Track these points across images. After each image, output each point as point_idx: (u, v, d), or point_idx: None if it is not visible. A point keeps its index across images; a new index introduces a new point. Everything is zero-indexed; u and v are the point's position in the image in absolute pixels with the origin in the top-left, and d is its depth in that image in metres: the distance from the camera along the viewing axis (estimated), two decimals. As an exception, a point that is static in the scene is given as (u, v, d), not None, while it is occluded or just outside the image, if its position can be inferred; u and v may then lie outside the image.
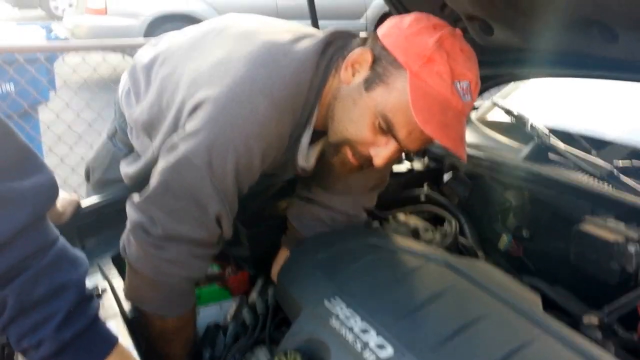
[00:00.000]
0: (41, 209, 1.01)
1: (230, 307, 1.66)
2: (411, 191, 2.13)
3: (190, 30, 1.69)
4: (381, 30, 1.44)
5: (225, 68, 1.41)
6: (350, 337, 1.23)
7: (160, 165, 1.42)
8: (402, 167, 2.17)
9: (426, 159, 2.24)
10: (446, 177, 2.10)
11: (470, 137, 2.26)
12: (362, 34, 1.58)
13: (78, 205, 1.75)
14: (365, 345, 1.20)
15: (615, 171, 1.70)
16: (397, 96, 1.37)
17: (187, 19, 8.33)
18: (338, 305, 1.33)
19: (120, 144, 1.85)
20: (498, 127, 2.24)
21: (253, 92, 1.36)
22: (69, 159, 3.68)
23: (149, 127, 1.60)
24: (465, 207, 2.00)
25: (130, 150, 1.79)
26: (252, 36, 1.48)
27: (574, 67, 1.85)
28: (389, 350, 1.18)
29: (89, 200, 1.82)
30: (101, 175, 1.93)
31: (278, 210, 1.91)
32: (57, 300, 1.01)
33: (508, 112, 2.14)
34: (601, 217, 1.60)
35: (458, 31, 1.42)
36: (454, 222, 1.87)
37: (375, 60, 1.41)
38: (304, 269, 1.51)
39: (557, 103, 2.36)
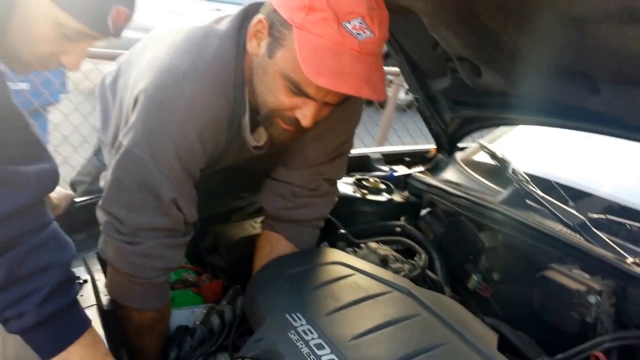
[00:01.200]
0: (41, 193, 1.11)
1: (200, 312, 1.71)
2: (388, 222, 2.17)
3: (145, 37, 1.74)
4: None
5: (156, 61, 1.46)
6: (305, 351, 1.29)
7: (110, 165, 1.48)
8: (382, 197, 2.23)
9: (406, 192, 2.30)
10: (423, 212, 2.15)
11: (452, 175, 2.32)
12: None
13: (72, 201, 1.83)
14: (319, 359, 1.26)
15: (587, 223, 1.75)
16: (293, 55, 1.34)
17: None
18: (299, 320, 1.38)
19: (103, 159, 1.91)
20: (481, 169, 2.29)
21: (178, 77, 1.41)
22: (72, 159, 3.76)
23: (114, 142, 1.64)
24: (439, 243, 2.04)
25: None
26: (180, 29, 1.53)
27: (557, 116, 1.92)
28: (338, 367, 1.23)
29: (82, 198, 1.89)
30: (87, 187, 1.99)
31: (256, 226, 1.98)
32: (43, 276, 1.10)
33: (492, 155, 2.19)
34: (567, 266, 1.65)
35: None
36: (423, 255, 1.92)
37: (271, 25, 1.41)
38: (273, 282, 1.57)
39: (542, 151, 2.41)
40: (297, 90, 1.40)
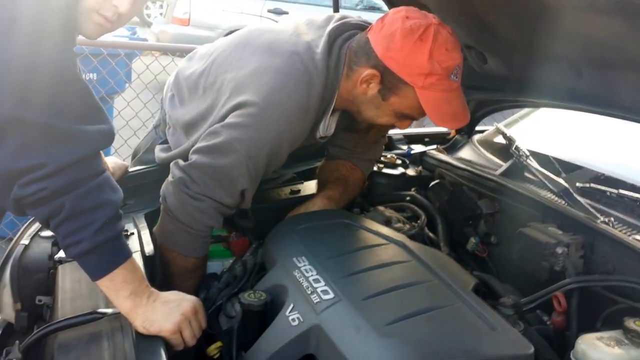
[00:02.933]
0: (100, 146, 1.39)
1: (229, 263, 2.00)
2: (399, 192, 2.41)
3: (221, 43, 2.08)
4: (379, 49, 1.81)
5: (261, 79, 1.82)
6: (305, 284, 1.57)
7: (204, 144, 1.82)
8: (396, 171, 2.47)
9: (420, 167, 2.54)
10: (432, 183, 2.38)
11: (465, 154, 2.55)
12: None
13: (126, 170, 2.16)
14: (314, 290, 1.53)
15: (569, 190, 1.95)
16: (410, 102, 1.84)
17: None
18: (303, 261, 1.66)
19: (161, 133, 2.26)
20: (492, 148, 2.50)
21: (282, 99, 1.79)
22: (131, 141, 4.18)
23: (189, 127, 2.00)
24: (443, 210, 2.26)
25: (166, 139, 2.19)
26: (275, 48, 1.88)
27: (553, 98, 2.15)
28: (330, 295, 1.50)
29: (135, 169, 2.22)
30: (142, 155, 2.35)
31: (283, 194, 2.26)
32: (98, 212, 1.37)
33: (503, 135, 2.42)
34: (545, 224, 1.86)
35: (436, 25, 1.79)
36: (423, 217, 2.15)
37: (383, 78, 1.83)
38: (285, 234, 1.86)
39: (549, 132, 2.61)
40: (407, 117, 1.94)
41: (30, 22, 1.25)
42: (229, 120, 1.80)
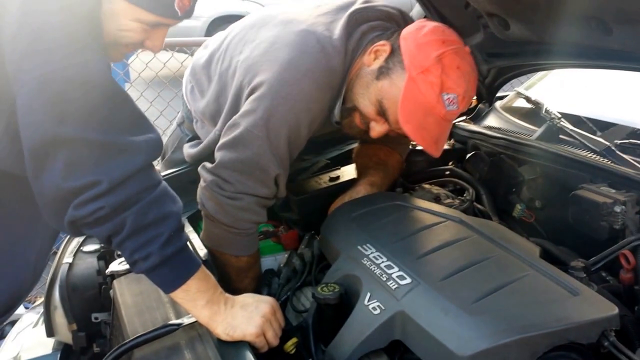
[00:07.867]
0: (152, 157, 1.36)
1: (283, 257, 2.00)
2: (437, 168, 2.42)
3: (235, 27, 2.05)
4: (406, 30, 1.79)
5: (273, 56, 1.77)
6: (377, 272, 1.56)
7: (226, 139, 1.78)
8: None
9: (452, 140, 2.54)
10: (468, 155, 2.38)
11: (492, 122, 2.55)
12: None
13: None
14: (389, 277, 1.53)
15: (612, 147, 1.96)
16: (396, 92, 1.75)
17: (242, 20, 8.74)
18: (369, 249, 1.66)
19: (186, 130, 2.23)
20: (518, 113, 2.50)
21: (298, 76, 1.73)
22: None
23: (213, 117, 1.97)
24: (484, 181, 2.27)
25: (194, 135, 2.16)
26: (291, 25, 1.83)
27: (580, 58, 2.12)
28: (407, 280, 1.51)
29: (164, 173, 2.20)
30: (171, 155, 2.32)
31: (322, 182, 2.25)
32: (162, 225, 1.35)
33: (528, 99, 2.42)
34: (596, 185, 1.87)
35: (464, 50, 1.77)
36: (471, 190, 2.15)
37: (390, 55, 1.78)
38: (342, 223, 1.84)
39: (572, 92, 2.62)
40: (383, 114, 1.80)
41: (59, 34, 1.22)
42: (245, 107, 1.76)
